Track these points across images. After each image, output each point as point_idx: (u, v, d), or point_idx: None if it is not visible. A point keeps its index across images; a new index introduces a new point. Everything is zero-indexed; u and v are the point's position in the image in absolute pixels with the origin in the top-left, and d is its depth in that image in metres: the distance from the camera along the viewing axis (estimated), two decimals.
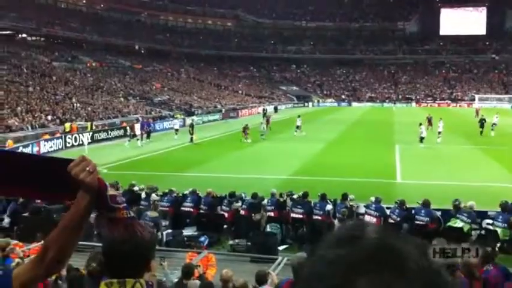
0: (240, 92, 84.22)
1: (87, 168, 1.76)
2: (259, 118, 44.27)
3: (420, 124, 31.32)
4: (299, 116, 38.88)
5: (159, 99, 59.13)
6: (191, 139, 32.96)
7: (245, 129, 33.25)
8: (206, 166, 24.04)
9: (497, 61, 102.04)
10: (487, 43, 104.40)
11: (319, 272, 0.76)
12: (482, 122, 35.83)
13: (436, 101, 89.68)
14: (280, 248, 12.34)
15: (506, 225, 11.83)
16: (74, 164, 1.77)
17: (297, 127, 37.60)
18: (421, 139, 30.26)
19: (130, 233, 1.95)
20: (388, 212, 13.03)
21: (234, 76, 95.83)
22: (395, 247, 0.76)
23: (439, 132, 32.22)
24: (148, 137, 34.32)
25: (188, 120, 38.39)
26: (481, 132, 35.16)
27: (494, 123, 36.04)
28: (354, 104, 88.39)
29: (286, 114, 58.93)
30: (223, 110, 61.14)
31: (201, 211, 14.34)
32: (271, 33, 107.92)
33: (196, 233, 13.27)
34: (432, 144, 30.05)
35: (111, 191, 1.90)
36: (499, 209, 12.35)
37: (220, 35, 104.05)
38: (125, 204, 1.96)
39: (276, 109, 68.04)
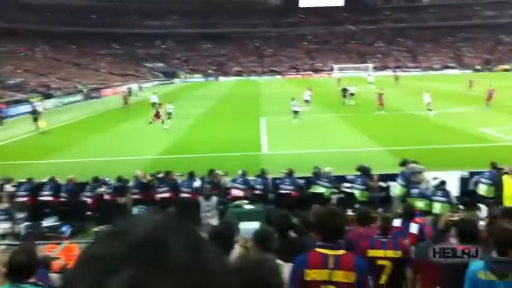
0: (102, 70, 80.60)
1: None
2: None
3: (293, 99, 29.98)
4: (154, 93, 38.11)
5: (12, 82, 54.56)
6: (37, 127, 29.14)
7: (157, 112, 29.37)
8: (67, 152, 22.58)
9: (354, 32, 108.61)
10: (345, 14, 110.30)
11: (76, 273, 0.72)
12: (344, 92, 37.75)
13: (299, 73, 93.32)
14: None
15: (364, 187, 12.52)
16: None
17: (153, 104, 34.81)
18: (295, 112, 29.18)
19: None
20: (253, 183, 13.22)
21: (95, 54, 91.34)
22: (161, 240, 0.72)
23: (306, 101, 33.70)
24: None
25: (39, 106, 32.82)
26: (344, 102, 37.01)
27: (351, 93, 37.82)
28: (221, 78, 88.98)
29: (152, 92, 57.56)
30: (85, 90, 58.07)
31: (62, 199, 13.43)
32: (133, 7, 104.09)
33: (57, 223, 12.44)
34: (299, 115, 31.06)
35: None
36: (357, 173, 13.03)
37: (78, 10, 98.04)
38: None
39: (140, 88, 65.76)
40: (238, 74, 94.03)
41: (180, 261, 0.69)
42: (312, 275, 3.61)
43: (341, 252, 3.69)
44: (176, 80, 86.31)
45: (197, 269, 0.70)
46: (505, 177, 11.13)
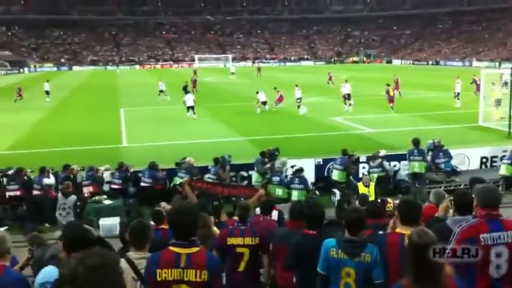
0: None
1: None
2: None
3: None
4: (48, 81, 36.07)
5: None
6: None
7: None
8: None
9: (212, 22, 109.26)
10: (203, 4, 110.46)
11: None
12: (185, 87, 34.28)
13: (159, 63, 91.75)
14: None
15: (215, 177, 12.63)
16: None
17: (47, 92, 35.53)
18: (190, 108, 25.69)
19: None
20: (110, 178, 12.74)
21: None
22: None
23: (161, 91, 33.92)
24: None
25: None
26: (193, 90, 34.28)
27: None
28: (76, 68, 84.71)
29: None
30: None
31: None
32: None
33: None
34: (158, 106, 30.39)
35: None
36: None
37: None
38: None
39: None
40: (94, 63, 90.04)
41: None
42: (163, 274, 3.51)
43: (194, 249, 3.58)
44: (25, 70, 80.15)
45: None
46: (359, 184, 11.66)
